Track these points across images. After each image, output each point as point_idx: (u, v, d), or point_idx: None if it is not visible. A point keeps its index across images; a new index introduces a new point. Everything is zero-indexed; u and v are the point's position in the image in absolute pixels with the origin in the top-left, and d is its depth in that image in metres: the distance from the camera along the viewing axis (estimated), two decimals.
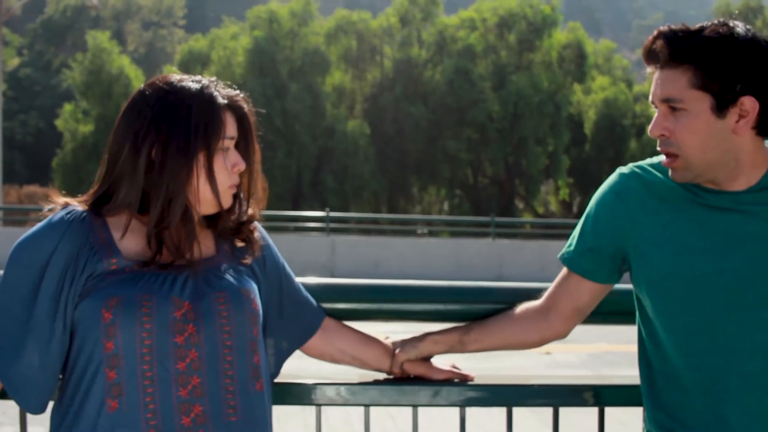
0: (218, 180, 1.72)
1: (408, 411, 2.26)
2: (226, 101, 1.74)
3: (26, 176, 44.75)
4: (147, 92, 1.72)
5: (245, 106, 1.79)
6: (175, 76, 1.75)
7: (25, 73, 55.07)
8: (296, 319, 1.98)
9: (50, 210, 1.75)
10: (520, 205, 37.67)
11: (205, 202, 1.73)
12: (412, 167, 35.67)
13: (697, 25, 1.78)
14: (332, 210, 21.88)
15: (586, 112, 37.13)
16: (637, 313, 2.01)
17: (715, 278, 1.80)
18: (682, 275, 1.83)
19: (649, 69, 1.82)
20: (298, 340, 2.00)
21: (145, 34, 66.66)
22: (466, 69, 34.46)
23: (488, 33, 36.15)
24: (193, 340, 1.64)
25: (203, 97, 1.71)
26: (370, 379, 2.16)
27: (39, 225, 1.71)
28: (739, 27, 1.77)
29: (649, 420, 1.99)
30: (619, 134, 36.18)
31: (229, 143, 1.74)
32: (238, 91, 1.79)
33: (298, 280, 2.04)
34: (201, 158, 1.69)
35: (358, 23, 37.56)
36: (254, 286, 1.81)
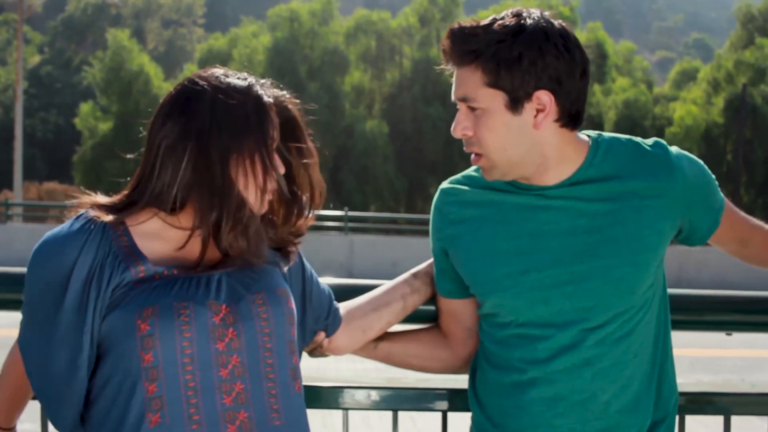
0: (263, 181, 1.65)
1: (427, 414, 2.23)
2: (270, 99, 1.68)
3: (46, 173, 45.07)
4: (198, 89, 1.64)
5: (291, 107, 1.73)
6: (219, 71, 1.68)
7: (46, 71, 55.44)
8: (315, 324, 1.91)
9: (72, 208, 1.66)
10: None
11: (259, 204, 1.65)
12: (430, 167, 35.65)
13: (489, 19, 1.72)
14: (351, 209, 21.86)
15: (606, 113, 36.97)
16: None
17: (519, 278, 1.78)
18: (489, 277, 1.82)
19: (447, 67, 1.77)
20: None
21: (165, 33, 67.03)
22: None
23: None
24: (234, 346, 1.58)
25: (254, 96, 1.64)
26: (398, 384, 2.12)
27: (57, 231, 1.62)
28: (531, 18, 1.71)
29: (473, 422, 1.97)
30: (639, 136, 35.74)
31: (273, 144, 1.68)
32: (284, 92, 1.73)
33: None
34: (260, 160, 1.62)
35: (377, 23, 37.59)
36: (288, 287, 1.74)
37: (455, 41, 1.72)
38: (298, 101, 1.76)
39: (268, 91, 1.69)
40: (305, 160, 1.75)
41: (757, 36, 37.15)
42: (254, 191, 1.64)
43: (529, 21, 1.70)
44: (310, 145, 1.76)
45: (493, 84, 1.69)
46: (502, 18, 1.72)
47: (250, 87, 1.66)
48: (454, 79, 1.76)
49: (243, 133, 1.62)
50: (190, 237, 1.63)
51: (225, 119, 1.61)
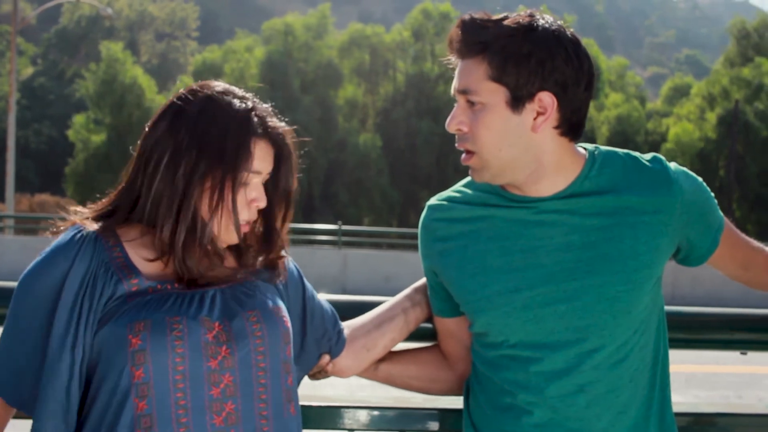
0: (233, 210, 1.60)
1: None
2: (261, 130, 1.62)
3: (38, 185, 44.94)
4: (189, 104, 1.60)
5: (286, 138, 1.67)
6: (220, 87, 1.63)
7: (39, 82, 55.38)
8: (317, 346, 1.86)
9: (55, 232, 1.62)
10: None
11: (225, 232, 1.61)
12: (423, 181, 35.67)
13: (500, 15, 1.67)
14: (344, 223, 21.80)
15: (599, 129, 37.09)
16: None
17: (511, 296, 1.72)
18: (480, 295, 1.75)
19: (452, 59, 1.72)
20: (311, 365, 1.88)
21: (159, 45, 67.07)
22: None
23: None
24: (227, 364, 1.53)
25: (241, 122, 1.59)
26: (403, 404, 2.07)
27: (47, 250, 1.58)
28: (544, 20, 1.66)
29: None
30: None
31: (255, 177, 1.63)
32: (282, 123, 1.67)
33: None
34: (227, 188, 1.58)
35: (371, 37, 37.70)
36: (283, 304, 1.69)
37: (465, 31, 1.67)
38: (293, 130, 1.71)
39: (265, 120, 1.64)
40: (288, 193, 1.72)
41: (751, 52, 37.34)
42: (226, 219, 1.60)
43: (542, 22, 1.65)
44: (295, 182, 1.72)
45: (498, 78, 1.64)
46: (516, 16, 1.66)
47: (246, 112, 1.61)
48: (457, 72, 1.70)
49: (217, 159, 1.57)
50: (163, 253, 1.59)
51: (203, 140, 1.57)
